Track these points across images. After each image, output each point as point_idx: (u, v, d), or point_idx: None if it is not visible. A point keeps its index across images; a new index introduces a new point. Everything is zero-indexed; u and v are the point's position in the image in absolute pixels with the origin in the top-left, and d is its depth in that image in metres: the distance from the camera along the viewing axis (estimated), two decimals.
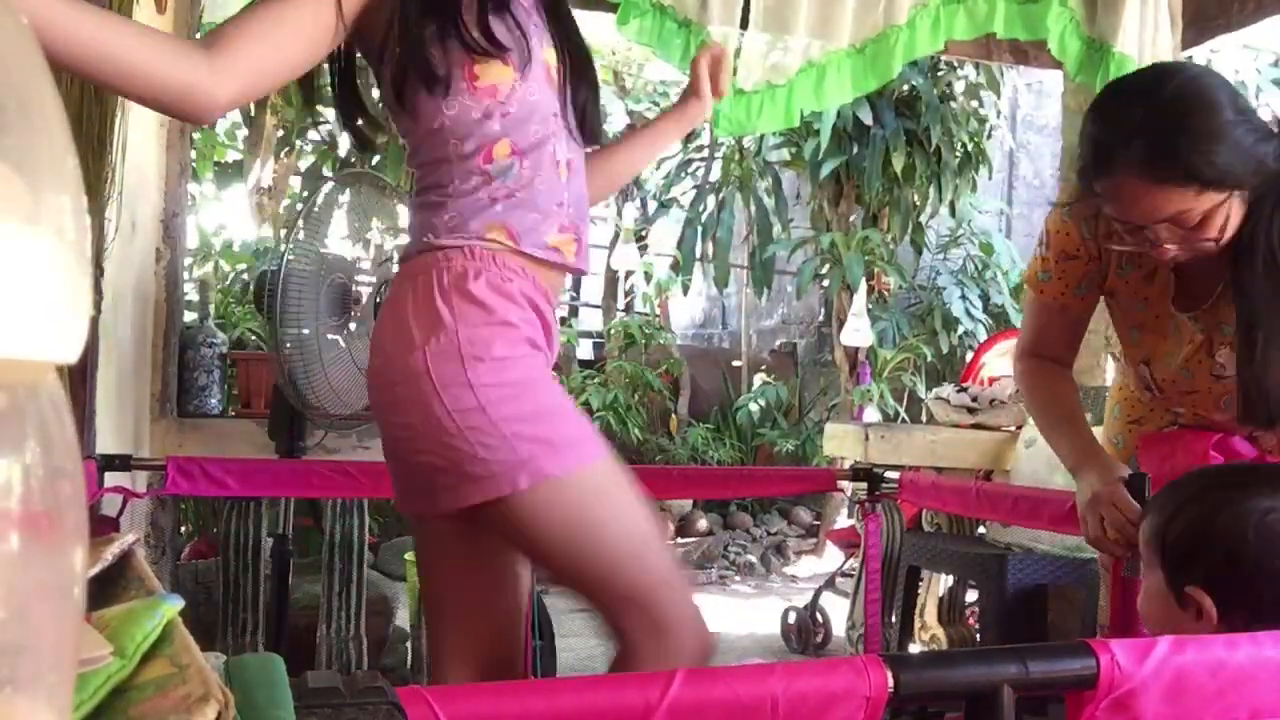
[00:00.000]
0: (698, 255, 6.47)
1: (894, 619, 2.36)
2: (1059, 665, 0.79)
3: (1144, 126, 1.35)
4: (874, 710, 0.72)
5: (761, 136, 5.99)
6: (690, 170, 6.91)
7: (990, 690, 0.75)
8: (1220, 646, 0.80)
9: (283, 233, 2.25)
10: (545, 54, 1.29)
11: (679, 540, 6.04)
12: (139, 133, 2.33)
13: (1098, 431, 1.78)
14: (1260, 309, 1.45)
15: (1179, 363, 1.60)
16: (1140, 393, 1.72)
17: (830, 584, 4.24)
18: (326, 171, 5.13)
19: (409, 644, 2.67)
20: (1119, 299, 1.64)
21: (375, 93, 1.48)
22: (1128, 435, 1.77)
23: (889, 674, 0.72)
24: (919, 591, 3.21)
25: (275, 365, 2.19)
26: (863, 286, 5.38)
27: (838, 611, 4.17)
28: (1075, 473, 1.55)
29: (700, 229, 6.42)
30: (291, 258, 2.13)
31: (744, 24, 2.68)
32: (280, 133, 4.79)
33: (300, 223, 2.21)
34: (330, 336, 2.31)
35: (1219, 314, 1.54)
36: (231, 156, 5.07)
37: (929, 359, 5.56)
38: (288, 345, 2.17)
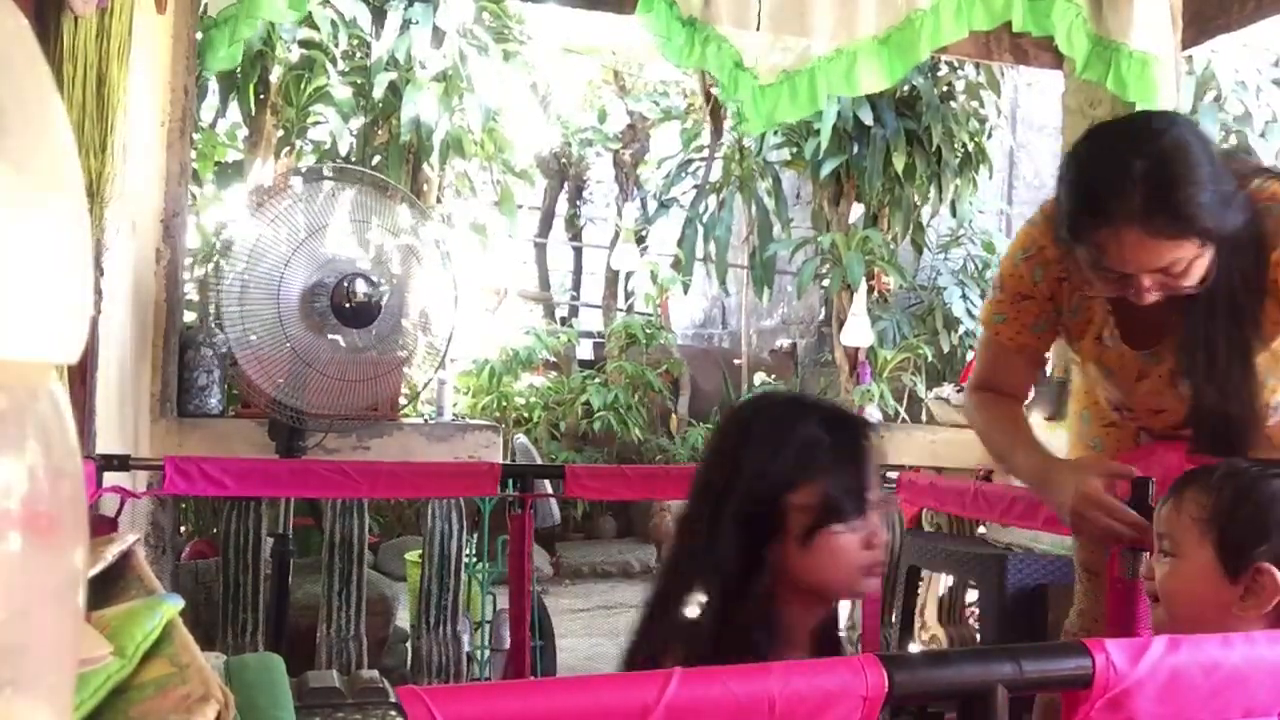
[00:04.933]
0: (698, 255, 6.47)
1: (894, 619, 2.36)
2: (1054, 665, 0.79)
3: (1144, 179, 1.36)
4: (871, 709, 0.72)
5: (762, 136, 5.98)
6: (690, 170, 6.90)
7: (985, 690, 0.75)
8: (1215, 646, 0.80)
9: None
10: None
11: None
12: (139, 133, 2.33)
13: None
14: (1219, 349, 1.53)
15: (1146, 390, 1.67)
16: (1110, 414, 1.80)
17: None
18: (327, 172, 5.12)
19: (409, 644, 2.67)
20: (1079, 339, 1.70)
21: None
22: (1105, 438, 1.83)
23: (885, 673, 0.72)
24: (919, 591, 3.21)
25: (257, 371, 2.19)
26: (863, 286, 5.38)
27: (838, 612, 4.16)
28: (1044, 481, 1.58)
29: (701, 229, 6.41)
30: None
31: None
32: (280, 133, 4.79)
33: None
34: (331, 336, 2.31)
35: (1172, 351, 1.62)
36: (232, 156, 5.07)
37: (929, 359, 5.55)
38: (288, 346, 2.18)
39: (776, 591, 1.18)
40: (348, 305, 2.31)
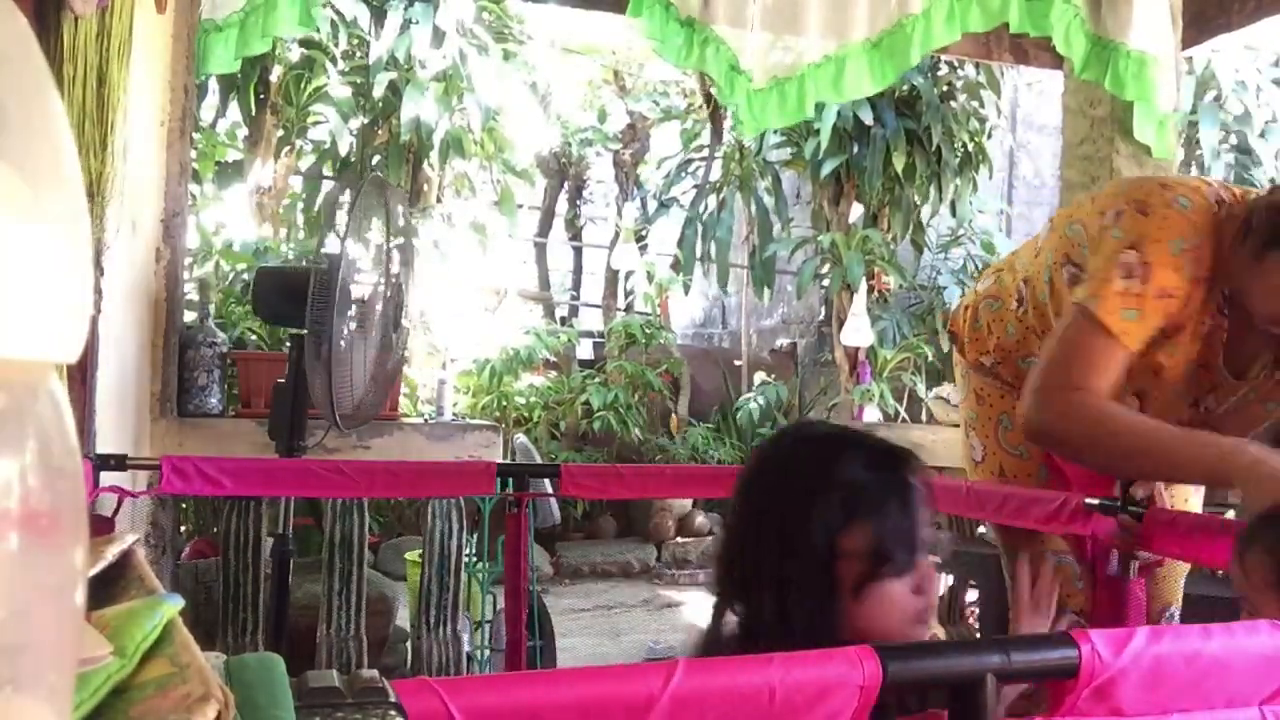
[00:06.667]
0: (698, 255, 6.47)
1: None
2: (1040, 655, 0.81)
3: None
4: (867, 698, 0.74)
5: (762, 135, 5.99)
6: (690, 170, 6.90)
7: (974, 679, 0.77)
8: (1196, 636, 0.82)
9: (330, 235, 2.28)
10: None
11: (679, 540, 6.04)
12: (139, 133, 2.33)
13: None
14: None
15: (1179, 392, 1.61)
16: None
17: None
18: (326, 171, 5.13)
19: (409, 643, 2.67)
20: (1163, 343, 1.54)
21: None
22: (1029, 445, 1.79)
23: (880, 663, 0.74)
24: None
25: (316, 368, 2.20)
26: (863, 286, 5.38)
27: None
28: (1242, 468, 1.30)
29: (700, 228, 6.42)
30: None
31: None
32: (280, 132, 4.79)
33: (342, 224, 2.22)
34: (369, 339, 2.33)
35: (1261, 385, 1.58)
36: (232, 156, 5.07)
37: (929, 359, 5.55)
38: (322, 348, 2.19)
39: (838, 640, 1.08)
40: (396, 306, 2.35)
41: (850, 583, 1.07)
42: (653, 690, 0.69)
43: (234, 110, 4.73)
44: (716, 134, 6.50)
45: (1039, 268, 1.71)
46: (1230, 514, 1.50)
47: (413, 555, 3.58)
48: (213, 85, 4.49)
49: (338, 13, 4.50)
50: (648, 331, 6.63)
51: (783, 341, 7.80)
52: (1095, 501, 1.57)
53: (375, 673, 1.95)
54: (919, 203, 5.74)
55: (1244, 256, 1.45)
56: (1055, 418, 1.48)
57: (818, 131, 5.43)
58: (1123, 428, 1.43)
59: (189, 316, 3.06)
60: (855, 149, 5.53)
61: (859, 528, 1.08)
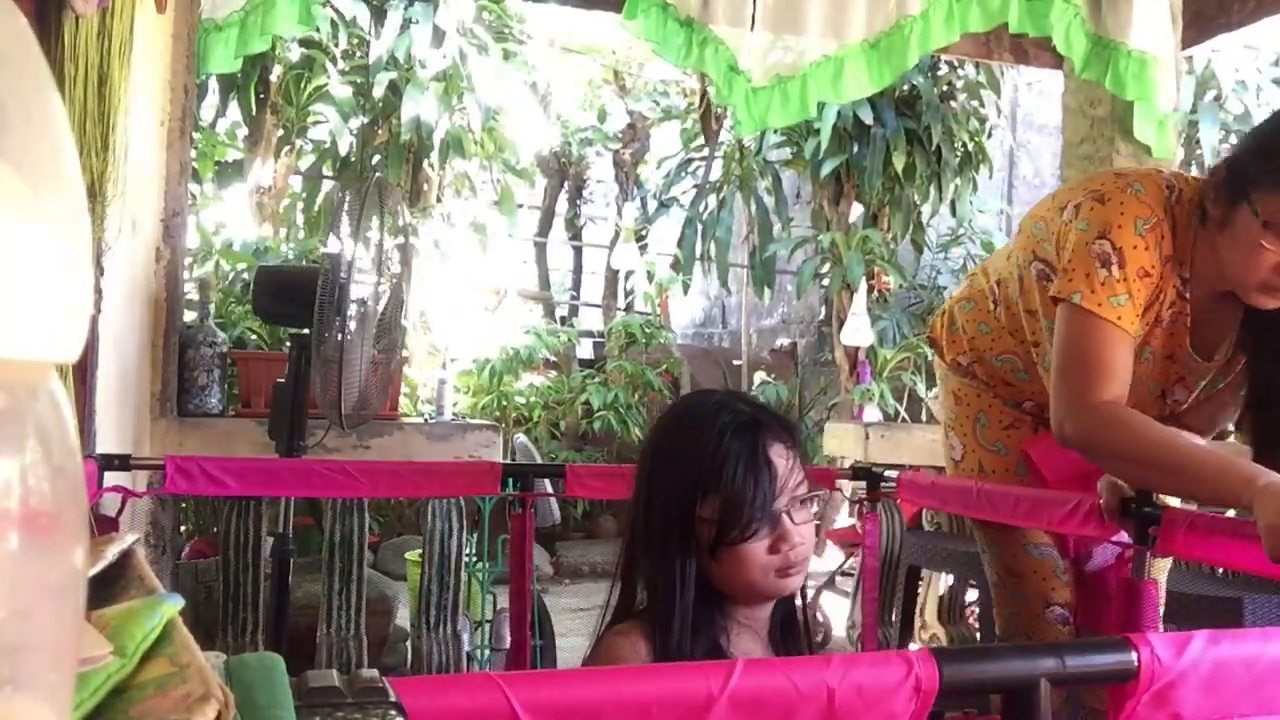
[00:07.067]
0: (698, 254, 6.47)
1: (894, 618, 2.36)
2: (1096, 659, 0.81)
3: None
4: (925, 701, 0.74)
5: (762, 135, 5.99)
6: (690, 169, 6.90)
7: (1029, 683, 0.78)
8: (1255, 640, 0.82)
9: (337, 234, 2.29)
10: None
11: None
12: (139, 132, 2.33)
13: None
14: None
15: (1150, 387, 1.65)
16: (1009, 414, 1.81)
17: (830, 584, 4.24)
18: (326, 171, 5.13)
19: (409, 643, 2.67)
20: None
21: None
22: (1007, 440, 1.83)
23: (937, 667, 0.75)
24: (919, 591, 3.21)
25: (331, 370, 2.21)
26: (863, 286, 5.38)
27: (838, 611, 4.17)
28: (1258, 490, 1.26)
29: (700, 228, 6.41)
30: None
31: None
32: (280, 132, 4.80)
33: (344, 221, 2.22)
34: (365, 339, 2.32)
35: (1224, 366, 1.62)
36: (232, 156, 5.07)
37: (929, 358, 5.56)
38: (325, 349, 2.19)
39: (714, 593, 1.20)
40: (396, 306, 2.35)
41: (706, 545, 1.18)
42: (712, 690, 0.70)
43: (234, 110, 4.73)
44: (710, 136, 6.50)
45: (1010, 268, 1.76)
46: (1230, 513, 1.49)
47: (413, 555, 3.58)
48: (213, 85, 4.49)
49: (338, 12, 4.50)
50: (648, 331, 6.63)
51: (783, 341, 7.80)
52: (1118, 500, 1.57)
53: (375, 672, 1.95)
54: (919, 202, 5.74)
55: (1211, 232, 1.50)
56: (1089, 432, 1.49)
57: (818, 131, 5.43)
58: (1153, 444, 1.43)
59: (189, 316, 3.06)
60: (855, 149, 5.53)
61: (711, 497, 1.18)
